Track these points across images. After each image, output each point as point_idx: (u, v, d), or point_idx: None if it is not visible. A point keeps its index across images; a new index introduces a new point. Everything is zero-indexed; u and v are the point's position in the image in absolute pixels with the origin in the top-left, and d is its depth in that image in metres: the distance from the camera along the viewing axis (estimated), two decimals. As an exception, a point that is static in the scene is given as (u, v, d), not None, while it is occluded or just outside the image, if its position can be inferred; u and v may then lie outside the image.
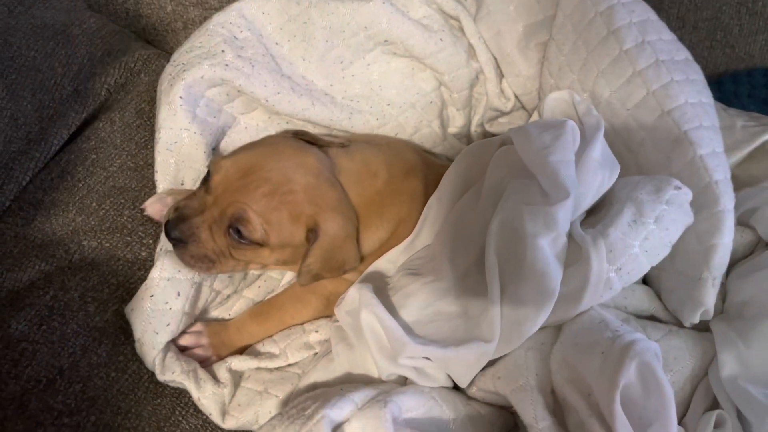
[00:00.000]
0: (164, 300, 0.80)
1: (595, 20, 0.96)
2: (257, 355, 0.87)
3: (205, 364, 0.84)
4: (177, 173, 0.94)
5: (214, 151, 1.00)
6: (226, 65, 0.96)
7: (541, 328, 0.72)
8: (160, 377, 0.78)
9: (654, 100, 0.88)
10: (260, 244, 0.79)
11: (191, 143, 0.94)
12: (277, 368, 0.86)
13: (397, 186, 0.89)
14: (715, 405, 0.74)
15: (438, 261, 0.80)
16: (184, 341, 0.83)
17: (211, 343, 0.85)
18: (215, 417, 0.79)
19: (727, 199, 0.80)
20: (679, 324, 0.80)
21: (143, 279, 0.83)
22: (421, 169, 0.92)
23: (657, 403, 0.63)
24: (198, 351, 0.84)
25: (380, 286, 0.81)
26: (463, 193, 0.86)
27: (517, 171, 0.80)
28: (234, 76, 0.96)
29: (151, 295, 0.79)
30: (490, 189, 0.81)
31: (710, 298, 0.77)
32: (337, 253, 0.81)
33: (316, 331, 0.89)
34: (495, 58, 1.13)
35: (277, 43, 1.05)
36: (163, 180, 0.93)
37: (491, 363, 0.73)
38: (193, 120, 0.94)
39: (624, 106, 0.91)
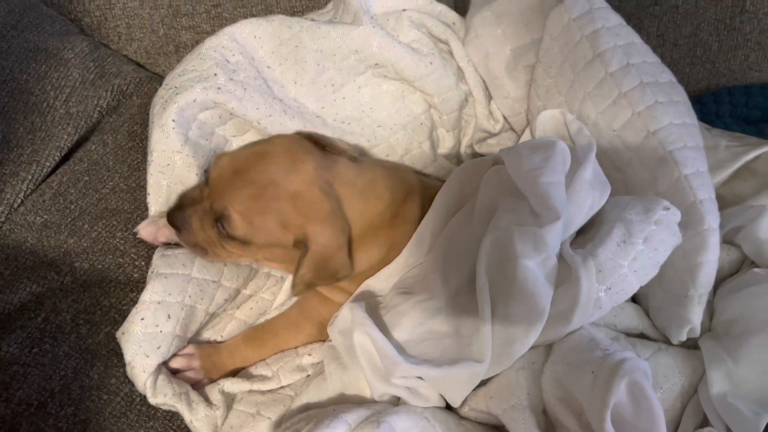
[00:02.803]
0: (155, 323, 0.80)
1: (581, 43, 0.98)
2: (249, 377, 0.86)
3: (197, 387, 0.84)
4: (169, 195, 0.94)
5: (206, 173, 1.01)
6: (219, 88, 0.97)
7: (532, 348, 0.72)
8: (152, 400, 0.78)
9: (640, 121, 0.90)
10: (244, 242, 0.81)
11: (183, 166, 0.94)
12: (270, 390, 0.85)
13: (396, 209, 0.89)
14: (705, 423, 0.75)
15: (430, 279, 0.80)
16: (176, 364, 0.83)
17: (203, 366, 0.85)
18: (207, 439, 0.79)
19: (711, 218, 0.82)
20: (669, 342, 0.81)
21: (135, 301, 0.83)
22: (419, 192, 0.93)
23: (647, 422, 0.64)
24: (189, 374, 0.84)
25: (372, 305, 0.82)
26: (456, 211, 0.87)
27: (509, 191, 0.81)
28: (226, 98, 0.97)
29: (142, 318, 0.79)
30: (482, 208, 0.82)
31: (696, 315, 0.78)
32: (329, 263, 0.81)
33: (309, 354, 0.89)
34: (483, 81, 1.15)
35: (268, 67, 1.06)
36: (155, 202, 0.94)
37: (483, 383, 0.73)
38: (185, 143, 0.95)
39: (610, 127, 0.92)
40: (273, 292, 0.96)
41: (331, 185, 0.83)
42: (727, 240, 0.89)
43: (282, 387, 0.86)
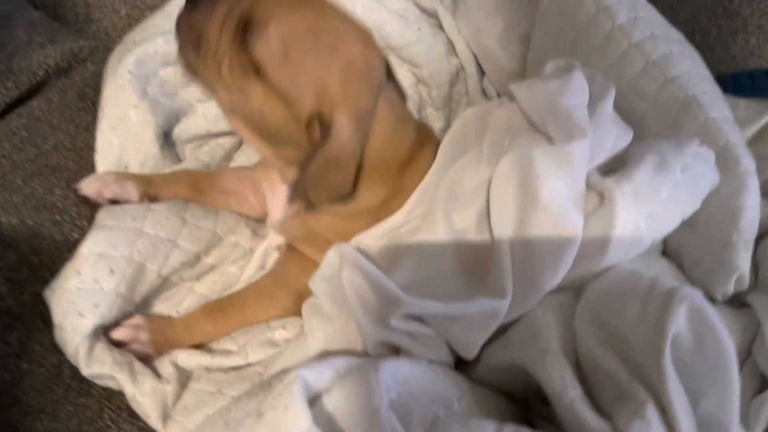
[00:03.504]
0: (93, 277, 0.65)
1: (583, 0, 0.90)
2: (210, 351, 0.71)
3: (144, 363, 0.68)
4: (121, 155, 0.82)
5: (167, 137, 0.88)
6: (184, 41, 0.86)
7: (560, 290, 0.59)
8: (85, 370, 0.62)
9: (655, 69, 0.81)
10: (257, 73, 0.62)
11: (139, 122, 0.82)
12: (234, 367, 0.70)
13: (413, 155, 0.75)
14: (765, 386, 0.62)
15: (433, 217, 0.67)
16: (119, 335, 0.67)
17: (152, 340, 0.69)
18: (154, 420, 0.62)
19: (747, 160, 0.72)
20: (712, 301, 0.69)
21: (73, 261, 0.68)
22: (436, 143, 0.80)
23: (715, 358, 0.50)
24: (135, 347, 0.68)
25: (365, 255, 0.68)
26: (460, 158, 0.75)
27: (522, 127, 0.70)
28: (192, 52, 0.86)
29: (78, 272, 0.65)
30: (492, 147, 0.70)
31: (744, 261, 0.67)
32: (337, 169, 0.64)
33: (283, 328, 0.74)
34: (475, 56, 1.07)
35: (241, 31, 0.96)
36: (104, 161, 0.81)
37: (500, 331, 0.60)
38: (143, 97, 0.83)
39: (622, 78, 0.83)
40: (240, 265, 0.82)
41: (380, 90, 0.68)
42: (764, 194, 0.78)
43: (249, 364, 0.70)
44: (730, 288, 0.67)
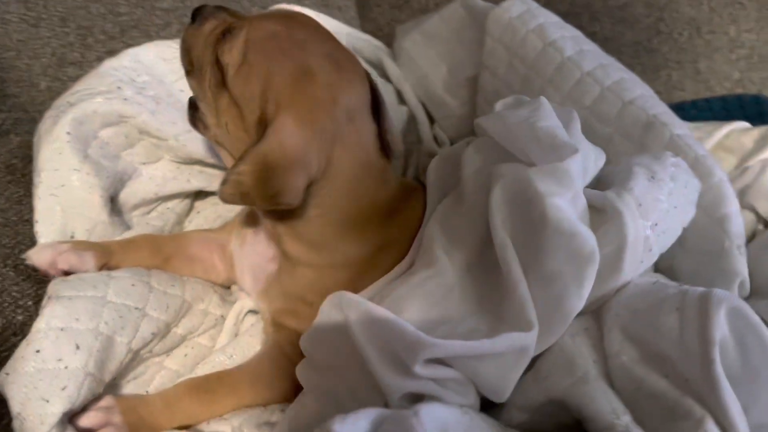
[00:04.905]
0: (56, 356, 0.56)
1: (527, 37, 0.92)
2: (197, 432, 0.62)
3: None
4: (65, 223, 0.73)
5: (113, 201, 0.80)
6: (125, 99, 0.80)
7: (579, 314, 0.56)
8: (54, 470, 0.52)
9: (611, 94, 0.83)
10: (223, 76, 0.63)
11: (83, 186, 0.74)
12: (229, 451, 0.61)
13: (396, 205, 0.71)
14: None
15: (432, 254, 0.62)
16: (88, 421, 0.57)
17: (127, 422, 0.60)
18: None
19: (719, 170, 0.73)
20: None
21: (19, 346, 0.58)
22: (423, 193, 0.76)
23: (762, 363, 0.48)
24: (108, 432, 0.58)
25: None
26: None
27: (499, 157, 0.68)
28: (136, 111, 0.80)
29: (37, 351, 0.55)
30: (471, 183, 0.68)
31: (742, 265, 0.67)
32: (278, 173, 0.59)
33: (282, 411, 0.66)
34: (423, 104, 1.06)
35: (182, 90, 0.91)
36: (46, 231, 0.72)
37: (528, 367, 0.55)
38: (84, 159, 0.76)
39: (580, 105, 0.84)
40: (211, 335, 0.74)
41: (349, 117, 0.65)
42: (734, 205, 0.80)
43: (246, 448, 0.62)
44: (735, 294, 0.66)
